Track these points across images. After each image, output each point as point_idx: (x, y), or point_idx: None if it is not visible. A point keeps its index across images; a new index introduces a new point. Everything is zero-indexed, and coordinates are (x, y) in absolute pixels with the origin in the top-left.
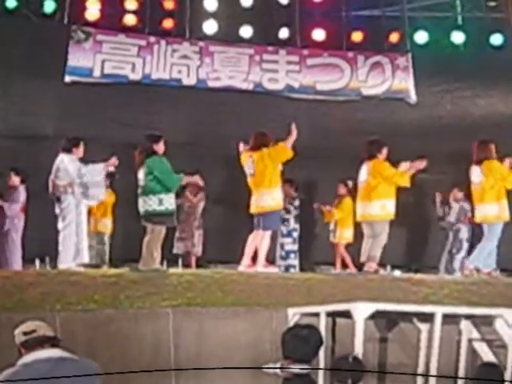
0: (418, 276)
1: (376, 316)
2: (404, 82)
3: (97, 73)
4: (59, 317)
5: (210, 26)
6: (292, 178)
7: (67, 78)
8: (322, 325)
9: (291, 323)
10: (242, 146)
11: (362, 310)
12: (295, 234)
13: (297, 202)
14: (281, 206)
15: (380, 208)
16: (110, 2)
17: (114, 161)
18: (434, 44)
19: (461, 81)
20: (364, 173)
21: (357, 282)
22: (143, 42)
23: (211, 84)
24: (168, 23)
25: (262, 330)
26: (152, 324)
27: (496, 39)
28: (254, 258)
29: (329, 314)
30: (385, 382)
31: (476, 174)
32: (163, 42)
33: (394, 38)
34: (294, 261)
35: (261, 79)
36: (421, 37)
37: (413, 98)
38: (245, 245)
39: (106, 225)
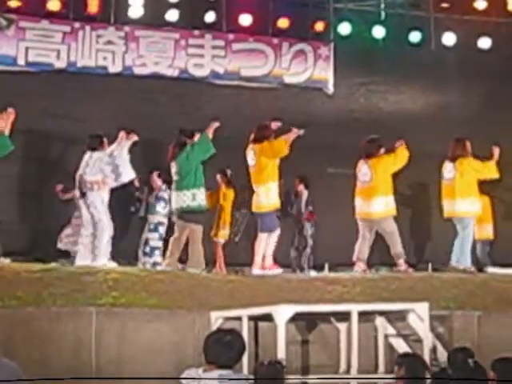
0: (332, 275)
1: (296, 318)
2: (324, 72)
3: (21, 61)
4: None
5: (136, 10)
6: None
7: None
8: (245, 329)
9: (214, 327)
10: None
11: (282, 313)
12: (162, 230)
13: (165, 194)
14: (277, 205)
15: (385, 205)
16: None
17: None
18: (356, 36)
19: (376, 75)
20: (366, 172)
21: (277, 283)
22: (67, 28)
23: (137, 71)
24: (93, 8)
25: (185, 334)
26: (74, 323)
27: (414, 37)
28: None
29: (251, 318)
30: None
31: (448, 169)
32: (88, 28)
33: (319, 26)
34: (159, 257)
35: (186, 65)
36: (344, 28)
37: (330, 88)
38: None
39: None
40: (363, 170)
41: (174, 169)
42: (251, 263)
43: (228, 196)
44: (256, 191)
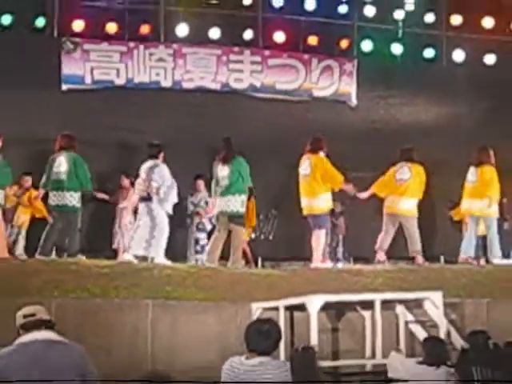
0: (357, 267)
1: (326, 307)
2: (348, 86)
3: (88, 80)
4: (55, 302)
5: (182, 29)
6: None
7: (64, 87)
8: (281, 318)
9: (254, 317)
10: None
11: (314, 303)
12: (209, 228)
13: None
14: (330, 207)
15: (413, 206)
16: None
17: None
18: (377, 53)
19: (394, 89)
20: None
21: (310, 277)
22: (124, 48)
23: (185, 85)
24: (145, 29)
25: (229, 324)
26: (133, 314)
27: (429, 53)
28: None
29: (287, 308)
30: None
31: (471, 173)
32: (141, 47)
33: (344, 44)
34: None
35: (227, 79)
36: (366, 45)
37: (354, 101)
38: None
39: (25, 220)
40: (404, 170)
41: (224, 172)
42: (286, 258)
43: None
44: (309, 198)
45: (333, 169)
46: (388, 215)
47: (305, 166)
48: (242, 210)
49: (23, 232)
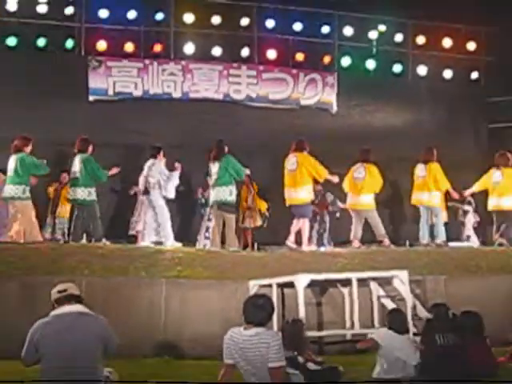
0: (337, 250)
1: (312, 285)
2: (329, 96)
3: (110, 92)
4: (85, 281)
5: (189, 48)
6: None
7: (90, 98)
8: (274, 294)
9: (251, 293)
10: None
11: (301, 281)
12: None
13: None
14: (312, 199)
15: (371, 200)
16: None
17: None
18: (354, 68)
19: (367, 98)
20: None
21: (297, 258)
22: (140, 65)
23: (192, 96)
24: (157, 47)
25: (230, 299)
26: (150, 291)
27: (397, 68)
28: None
29: (279, 285)
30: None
31: (421, 169)
32: (155, 63)
33: (327, 60)
34: None
35: (228, 90)
36: (345, 61)
37: (334, 109)
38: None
39: (66, 211)
40: (360, 170)
41: (214, 168)
42: (277, 243)
43: (254, 189)
44: (293, 189)
45: (317, 163)
46: (352, 211)
47: (292, 162)
48: (231, 198)
49: (66, 222)
